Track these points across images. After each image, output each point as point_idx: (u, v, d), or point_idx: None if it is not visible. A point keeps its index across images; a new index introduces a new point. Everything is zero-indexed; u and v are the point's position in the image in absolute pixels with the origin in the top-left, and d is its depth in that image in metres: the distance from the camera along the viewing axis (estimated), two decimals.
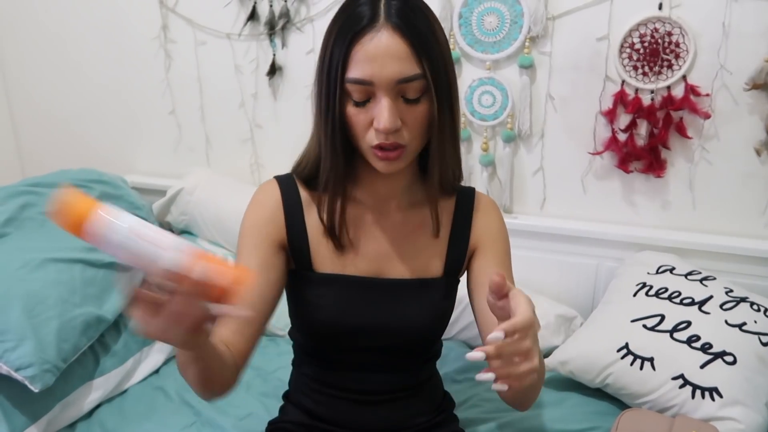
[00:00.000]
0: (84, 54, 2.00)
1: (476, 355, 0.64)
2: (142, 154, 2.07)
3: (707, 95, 1.43)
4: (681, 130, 1.46)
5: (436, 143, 0.88)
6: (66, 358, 1.23)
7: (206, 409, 1.29)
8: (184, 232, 1.78)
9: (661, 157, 1.50)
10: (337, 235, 0.93)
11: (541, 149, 1.61)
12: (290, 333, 1.06)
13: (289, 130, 1.84)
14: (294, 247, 0.94)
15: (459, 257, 0.99)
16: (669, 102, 1.45)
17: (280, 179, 0.97)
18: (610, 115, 1.50)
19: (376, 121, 0.81)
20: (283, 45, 1.76)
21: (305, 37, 1.73)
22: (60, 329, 1.24)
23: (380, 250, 0.96)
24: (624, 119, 1.50)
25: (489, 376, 0.66)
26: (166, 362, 1.50)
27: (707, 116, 1.44)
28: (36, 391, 1.16)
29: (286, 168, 1.91)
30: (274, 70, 1.78)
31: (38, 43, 2.05)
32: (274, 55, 1.77)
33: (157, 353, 1.48)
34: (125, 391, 1.39)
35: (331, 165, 0.88)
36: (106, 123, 2.07)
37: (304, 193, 0.96)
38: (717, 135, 1.46)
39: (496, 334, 0.64)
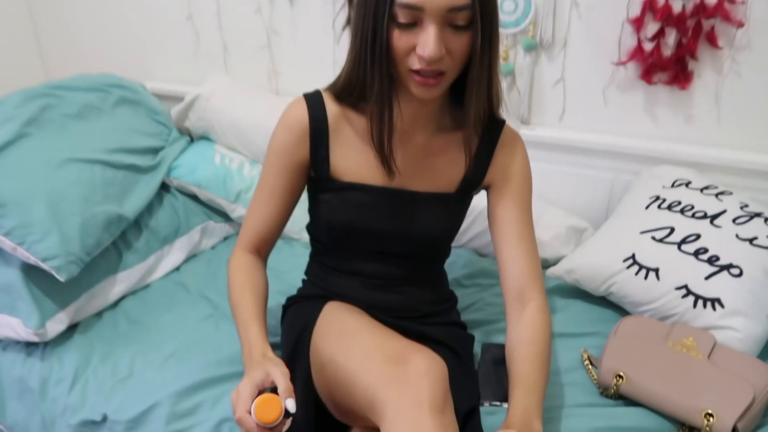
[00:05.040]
0: None
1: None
2: (161, 61, 2.07)
3: (743, 2, 1.35)
4: (711, 40, 1.40)
5: (475, 74, 0.89)
6: (89, 251, 1.29)
7: (223, 303, 1.36)
8: (202, 137, 1.80)
9: (687, 68, 1.44)
10: (388, 159, 0.97)
11: (563, 59, 1.56)
12: (308, 227, 1.14)
13: (306, 38, 1.81)
14: (316, 157, 1.02)
15: (474, 181, 1.05)
16: (701, 9, 1.37)
17: (308, 98, 1.01)
18: (637, 23, 1.44)
19: (421, 48, 0.83)
20: None
21: None
22: (83, 225, 1.29)
23: (401, 167, 1.01)
24: (652, 28, 1.44)
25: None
26: (186, 261, 1.57)
27: (741, 25, 1.36)
28: (62, 280, 1.23)
29: (302, 76, 1.90)
30: None
31: None
32: None
33: (178, 252, 1.55)
34: (148, 285, 1.47)
35: (379, 88, 0.89)
36: (125, 28, 2.06)
37: (333, 109, 1.00)
38: (750, 45, 1.39)
39: None
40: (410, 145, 1.01)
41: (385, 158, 0.97)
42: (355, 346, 0.88)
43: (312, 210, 1.10)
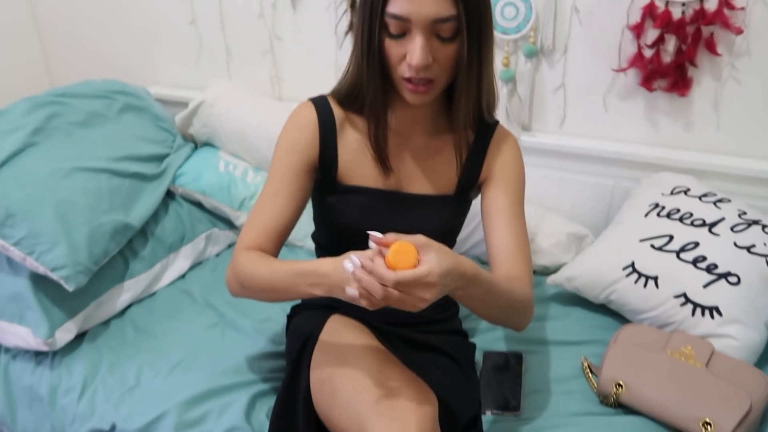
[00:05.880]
0: None
1: (347, 265, 0.78)
2: (165, 66, 2.09)
3: (742, 9, 1.35)
4: (711, 47, 1.40)
5: (463, 81, 0.93)
6: (97, 260, 1.32)
7: (229, 311, 1.38)
8: (206, 144, 1.82)
9: (687, 75, 1.45)
10: (384, 159, 1.02)
11: (564, 65, 1.57)
12: (313, 236, 1.16)
13: (309, 43, 1.82)
14: (324, 162, 1.04)
15: (471, 180, 1.08)
16: (701, 16, 1.38)
17: (315, 101, 1.04)
18: (638, 30, 1.45)
19: (409, 56, 0.88)
20: None
21: None
22: (90, 234, 1.31)
23: (402, 168, 1.05)
24: (652, 34, 1.44)
25: (352, 292, 0.78)
26: (191, 268, 1.59)
27: (739, 32, 1.37)
28: (70, 290, 1.25)
29: (305, 82, 1.92)
30: None
31: None
32: None
33: (183, 260, 1.57)
34: (154, 293, 1.49)
35: (373, 92, 0.96)
36: (129, 34, 2.07)
37: (338, 113, 1.04)
38: (749, 52, 1.40)
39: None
40: (409, 148, 1.05)
41: (382, 157, 1.01)
42: (352, 369, 0.91)
43: (317, 215, 1.12)
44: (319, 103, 1.04)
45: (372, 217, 1.04)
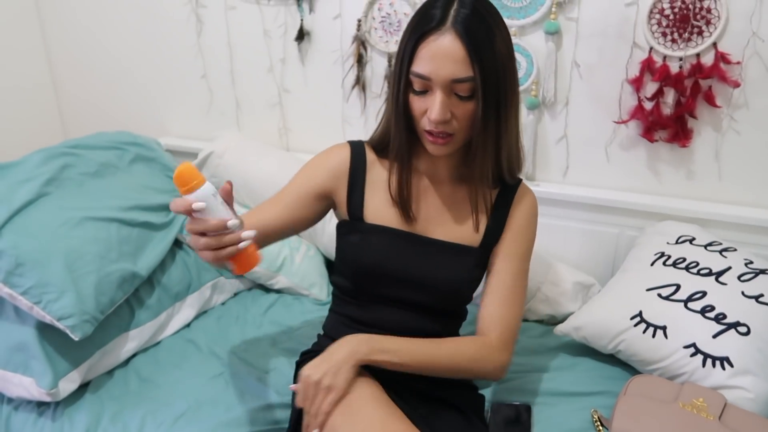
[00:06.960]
0: (119, 20, 2.06)
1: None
2: (175, 117, 2.14)
3: (738, 63, 1.39)
4: (709, 99, 1.44)
5: (479, 138, 0.99)
6: (103, 310, 1.32)
7: (233, 361, 1.37)
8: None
9: (687, 126, 1.48)
10: (406, 203, 1.08)
11: (566, 117, 1.60)
12: (332, 280, 1.18)
13: (317, 95, 1.87)
14: (351, 199, 1.10)
15: (495, 235, 1.12)
16: (698, 70, 1.42)
17: (352, 143, 1.14)
18: (637, 83, 1.48)
19: (430, 111, 0.96)
20: (311, 10, 1.77)
21: (332, 3, 1.74)
22: (98, 283, 1.32)
23: (428, 213, 1.11)
24: (651, 87, 1.48)
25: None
26: (196, 317, 1.59)
27: (737, 85, 1.41)
28: (76, 339, 1.25)
29: (312, 133, 1.96)
30: (302, 35, 1.80)
31: (77, 11, 2.12)
32: (302, 20, 1.79)
33: (189, 308, 1.56)
34: (159, 342, 1.48)
35: (398, 141, 1.05)
36: (141, 87, 2.14)
37: (371, 156, 1.12)
38: (747, 104, 1.43)
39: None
40: (437, 193, 1.11)
41: (402, 200, 1.07)
42: (356, 422, 0.91)
43: (339, 257, 1.14)
44: (355, 145, 1.13)
45: (394, 258, 1.07)
